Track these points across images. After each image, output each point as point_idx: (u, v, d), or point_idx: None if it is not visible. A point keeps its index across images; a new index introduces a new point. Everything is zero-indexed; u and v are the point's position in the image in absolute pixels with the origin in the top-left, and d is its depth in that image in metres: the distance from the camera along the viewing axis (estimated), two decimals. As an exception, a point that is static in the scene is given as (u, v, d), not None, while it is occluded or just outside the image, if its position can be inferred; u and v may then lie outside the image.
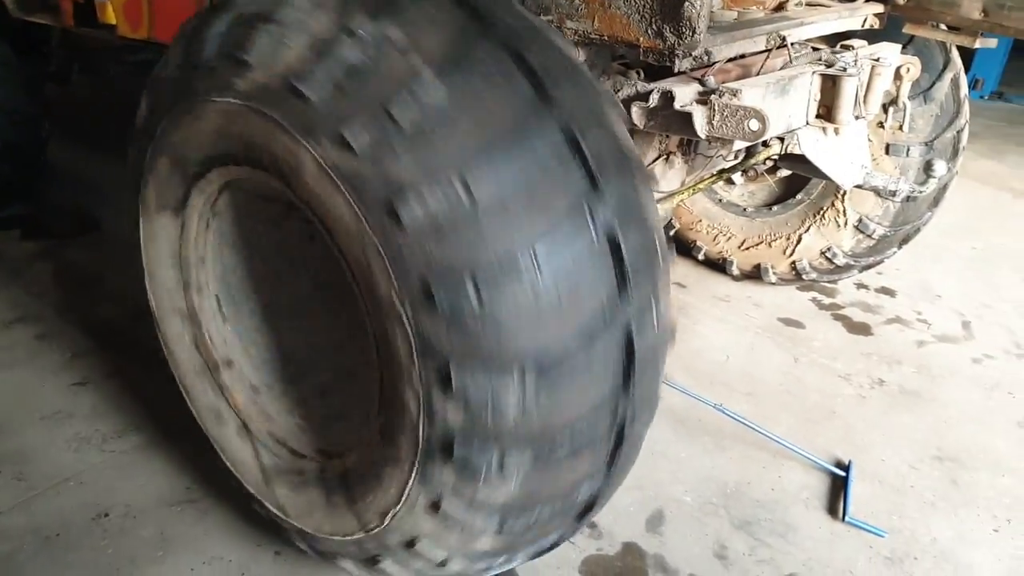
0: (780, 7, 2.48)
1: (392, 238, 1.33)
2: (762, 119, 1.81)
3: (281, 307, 2.16)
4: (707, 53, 1.98)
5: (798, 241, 3.59)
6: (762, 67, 2.25)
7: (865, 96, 2.29)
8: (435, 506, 1.49)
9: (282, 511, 1.95)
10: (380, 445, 1.58)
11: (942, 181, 2.99)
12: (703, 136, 1.90)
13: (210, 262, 2.00)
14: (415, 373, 1.39)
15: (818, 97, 2.18)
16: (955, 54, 3.07)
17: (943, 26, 2.50)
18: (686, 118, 1.89)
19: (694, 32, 1.71)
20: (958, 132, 3.13)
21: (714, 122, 1.88)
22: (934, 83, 3.03)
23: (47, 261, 3.78)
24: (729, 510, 2.49)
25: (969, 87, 3.23)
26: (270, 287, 2.14)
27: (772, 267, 3.71)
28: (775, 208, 3.68)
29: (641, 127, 2.02)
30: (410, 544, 1.60)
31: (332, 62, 1.38)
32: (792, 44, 2.26)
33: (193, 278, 1.99)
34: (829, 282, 3.93)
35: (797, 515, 2.48)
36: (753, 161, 2.79)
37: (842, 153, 2.55)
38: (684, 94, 1.91)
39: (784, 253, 3.66)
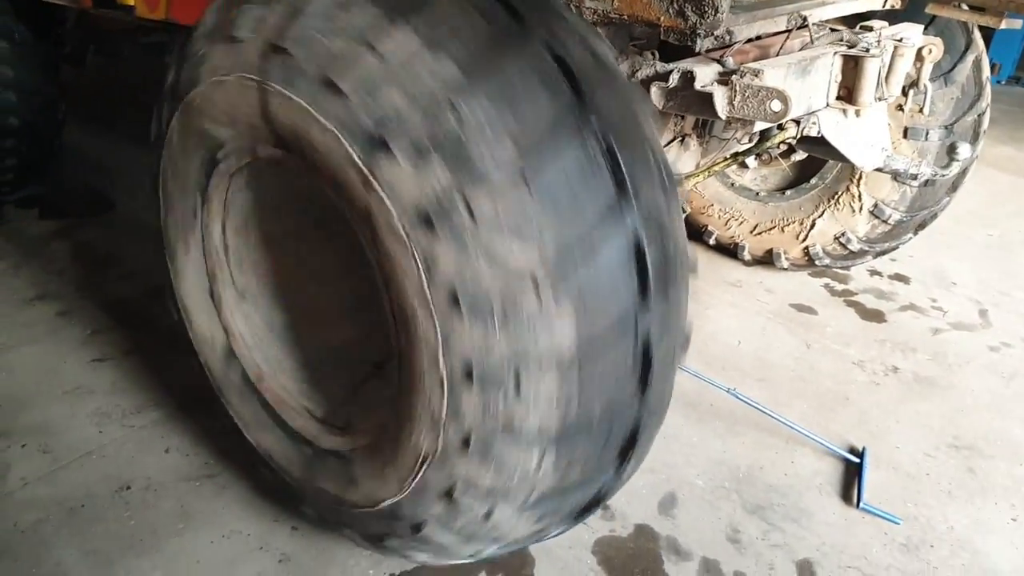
0: (801, -13, 2.46)
1: None
2: (784, 100, 1.80)
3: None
4: (728, 33, 1.97)
5: (811, 226, 3.57)
6: (781, 48, 2.23)
7: (887, 77, 2.27)
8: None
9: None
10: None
11: (965, 165, 2.96)
12: (724, 117, 1.89)
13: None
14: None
15: (839, 78, 2.17)
16: (977, 36, 3.02)
17: (966, 6, 2.47)
18: (706, 98, 1.89)
19: (716, 11, 1.71)
20: (979, 115, 3.10)
21: (735, 103, 1.87)
22: (955, 65, 2.99)
23: (65, 240, 3.82)
24: (742, 494, 2.49)
25: (989, 72, 3.19)
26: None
27: (784, 252, 3.70)
28: (788, 193, 3.66)
29: (660, 108, 2.01)
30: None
31: None
32: (813, 24, 2.24)
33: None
34: (842, 268, 3.91)
35: (811, 500, 2.49)
36: (768, 144, 2.78)
37: (863, 135, 2.53)
38: (705, 74, 1.91)
39: (797, 238, 3.64)
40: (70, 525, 2.21)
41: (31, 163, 3.81)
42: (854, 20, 2.50)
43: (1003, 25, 2.41)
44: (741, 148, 2.83)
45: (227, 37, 1.60)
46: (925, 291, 3.88)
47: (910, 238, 3.50)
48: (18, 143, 3.64)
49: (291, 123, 1.49)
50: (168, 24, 2.84)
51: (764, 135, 2.74)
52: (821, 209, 3.54)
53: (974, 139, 3.13)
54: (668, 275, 1.43)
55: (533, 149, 1.30)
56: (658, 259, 1.40)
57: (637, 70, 2.07)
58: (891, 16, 2.56)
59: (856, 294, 3.80)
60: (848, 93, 2.17)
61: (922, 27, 2.50)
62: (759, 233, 3.77)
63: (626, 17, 1.86)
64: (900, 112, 3.01)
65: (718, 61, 1.99)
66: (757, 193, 3.78)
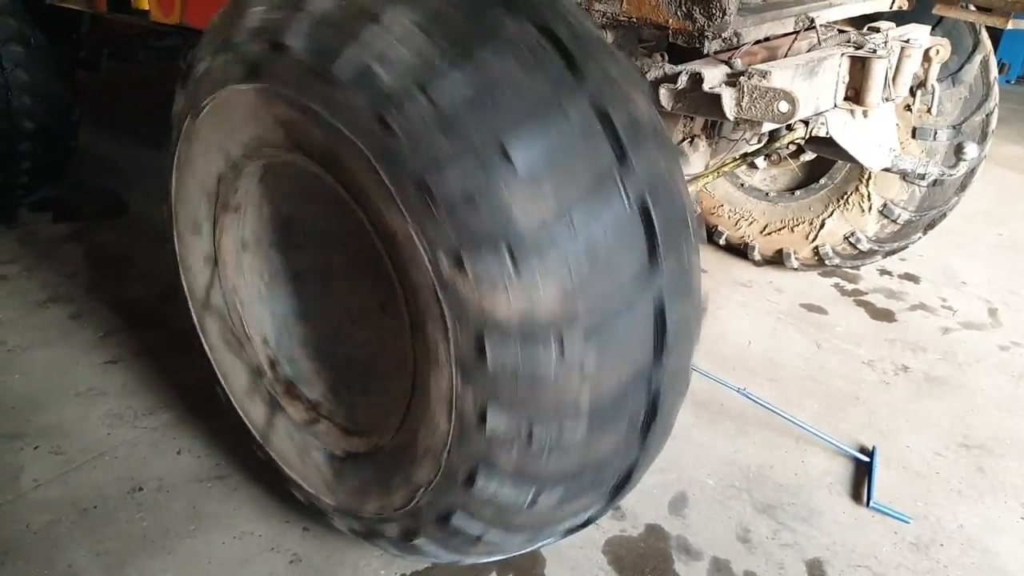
0: (808, -11, 2.47)
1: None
2: (792, 101, 1.80)
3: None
4: (736, 35, 1.98)
5: (821, 226, 3.57)
6: (789, 49, 2.24)
7: (894, 78, 2.28)
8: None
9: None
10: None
11: (972, 164, 2.96)
12: (732, 118, 1.90)
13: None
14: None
15: (847, 79, 2.17)
16: (985, 36, 3.02)
17: (973, 7, 2.47)
18: (715, 100, 1.90)
19: (724, 13, 1.72)
20: (987, 115, 3.10)
21: (743, 104, 1.88)
22: (963, 65, 2.99)
23: (78, 242, 3.85)
24: (752, 494, 2.50)
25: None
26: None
27: (794, 252, 3.70)
28: (798, 193, 3.66)
29: (669, 109, 2.02)
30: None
31: None
32: (820, 26, 2.24)
33: None
34: (852, 268, 3.90)
35: (821, 500, 2.49)
36: (777, 145, 2.79)
37: (871, 136, 2.53)
38: (713, 76, 1.91)
39: (807, 238, 3.64)
40: (82, 526, 2.23)
41: (45, 166, 3.84)
42: (862, 21, 2.50)
43: (1010, 26, 2.41)
44: (750, 149, 2.84)
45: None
46: (935, 290, 3.87)
47: (919, 238, 3.50)
48: (33, 146, 3.68)
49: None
50: (182, 28, 2.87)
51: (773, 136, 2.75)
52: (831, 209, 3.54)
53: (982, 139, 3.12)
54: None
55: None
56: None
57: (646, 72, 2.08)
58: (898, 17, 2.56)
59: (866, 294, 3.80)
60: (855, 94, 2.17)
61: (929, 28, 2.51)
62: (769, 233, 3.78)
63: (635, 19, 1.87)
64: (908, 112, 3.01)
65: (726, 63, 2.00)
66: (767, 193, 3.78)
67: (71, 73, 4.02)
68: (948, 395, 3.06)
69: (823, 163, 3.49)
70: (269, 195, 1.94)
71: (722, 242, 3.93)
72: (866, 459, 2.64)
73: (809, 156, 3.36)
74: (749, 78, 1.87)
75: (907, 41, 2.31)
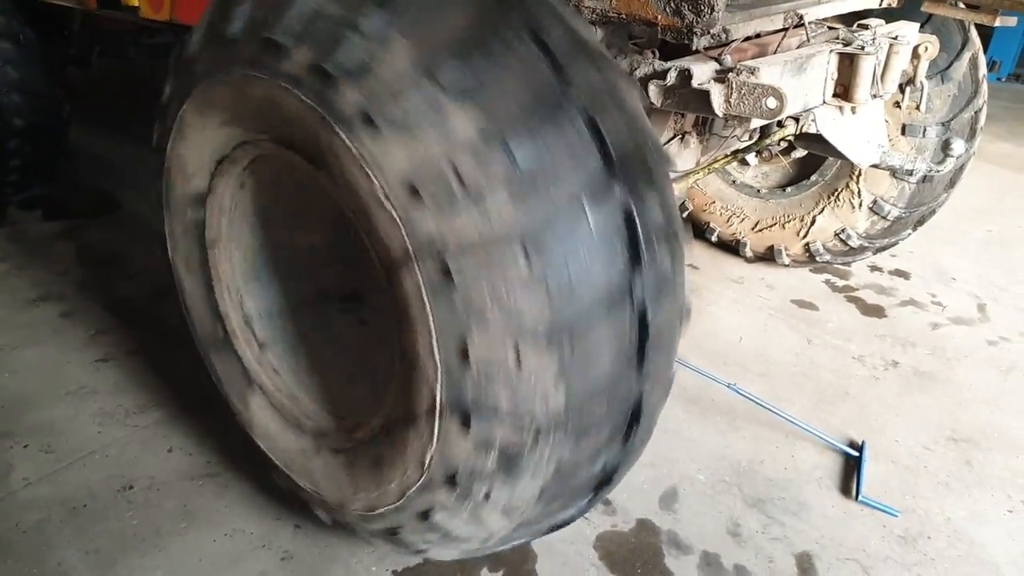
0: (798, -15, 2.47)
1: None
2: (780, 97, 1.81)
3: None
4: (725, 31, 1.98)
5: (812, 223, 3.59)
6: (779, 46, 2.24)
7: (883, 75, 2.28)
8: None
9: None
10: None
11: (960, 161, 2.98)
12: (720, 114, 1.91)
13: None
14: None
15: (835, 76, 2.18)
16: (974, 33, 3.04)
17: (962, 4, 2.48)
18: (703, 96, 1.90)
19: (712, 10, 1.72)
20: (976, 112, 3.11)
21: (731, 100, 1.88)
22: (952, 63, 3.01)
23: (69, 241, 3.84)
24: (742, 488, 2.51)
25: (986, 69, 3.20)
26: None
27: (786, 249, 3.71)
28: (789, 190, 3.67)
29: (658, 105, 2.03)
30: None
31: None
32: (809, 23, 2.25)
33: None
34: (843, 264, 3.92)
35: (810, 494, 2.51)
36: (768, 141, 2.80)
37: (859, 132, 2.55)
38: (702, 72, 1.92)
39: (798, 235, 3.66)
40: (72, 525, 2.22)
41: (36, 164, 3.83)
42: (851, 18, 2.52)
43: (997, 23, 2.43)
44: (741, 145, 2.85)
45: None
46: (925, 286, 3.89)
47: (909, 234, 3.52)
48: (23, 144, 3.66)
49: None
50: (172, 25, 2.87)
51: (763, 132, 2.76)
52: (821, 206, 3.55)
53: (971, 136, 3.14)
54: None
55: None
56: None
57: (635, 68, 2.09)
58: (888, 14, 2.57)
59: (857, 290, 3.82)
60: (844, 90, 2.18)
61: (918, 25, 2.52)
62: (760, 230, 3.79)
63: (624, 16, 1.87)
64: (898, 109, 3.03)
65: (715, 59, 2.00)
66: (758, 190, 3.80)
67: (61, 70, 4.00)
68: (937, 390, 3.08)
69: (814, 160, 3.51)
70: None
71: (714, 239, 3.95)
72: (855, 453, 2.66)
73: (800, 153, 3.38)
74: (738, 74, 1.88)
75: (896, 38, 2.32)
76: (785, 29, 2.27)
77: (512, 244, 1.31)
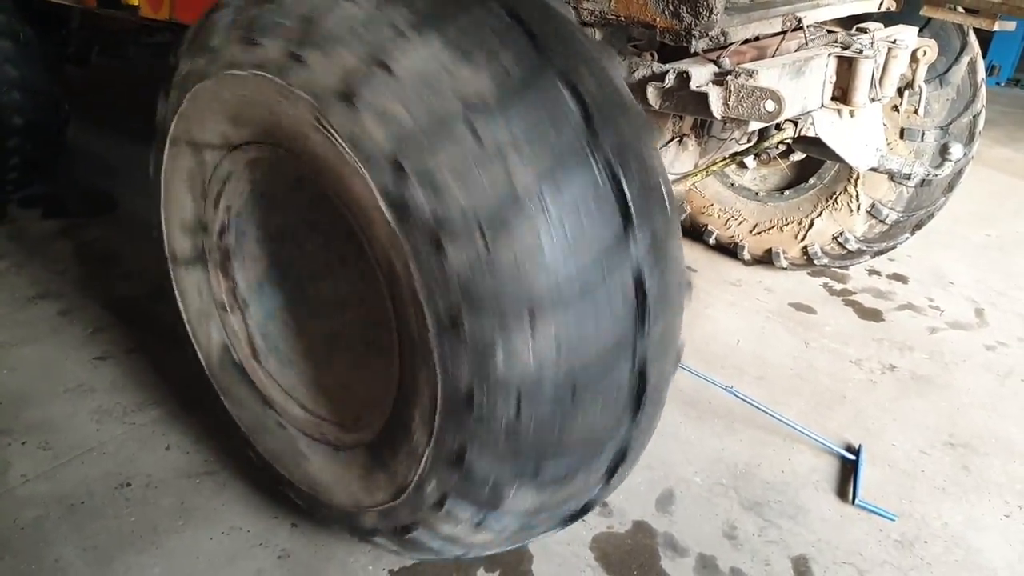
0: (797, -11, 2.48)
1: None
2: (778, 100, 1.82)
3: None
4: (723, 34, 1.99)
5: (810, 226, 3.60)
6: (777, 49, 2.25)
7: (881, 78, 2.29)
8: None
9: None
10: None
11: (958, 165, 2.98)
12: (719, 116, 1.91)
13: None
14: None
15: (834, 79, 2.19)
16: (972, 38, 3.05)
17: (961, 8, 2.49)
18: (702, 98, 1.91)
19: (711, 13, 1.73)
20: (974, 117, 3.12)
21: (730, 103, 1.89)
22: (951, 67, 3.01)
23: (68, 239, 3.84)
24: (739, 491, 2.51)
25: (985, 73, 3.21)
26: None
27: (784, 252, 3.72)
28: (787, 192, 3.68)
29: (657, 107, 2.03)
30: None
31: None
32: (808, 26, 2.26)
33: None
34: (841, 267, 3.93)
35: (807, 497, 2.51)
36: (766, 144, 2.80)
37: (857, 136, 2.55)
38: (700, 74, 1.93)
39: (796, 238, 3.66)
40: (70, 522, 2.23)
41: (35, 162, 3.83)
42: (850, 22, 2.52)
43: (996, 27, 2.44)
44: (740, 148, 2.85)
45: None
46: (923, 290, 3.90)
47: (907, 238, 3.53)
48: (22, 142, 3.66)
49: None
50: (172, 24, 2.87)
51: (762, 135, 2.76)
52: (819, 209, 3.56)
53: (969, 140, 3.15)
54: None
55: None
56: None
57: (634, 71, 2.09)
58: (887, 18, 2.58)
59: (854, 293, 3.82)
60: (843, 94, 2.19)
61: (917, 29, 2.53)
62: (758, 233, 3.80)
63: (623, 18, 1.88)
64: (896, 113, 3.03)
65: (714, 62, 2.01)
66: (756, 193, 3.80)
67: (61, 69, 4.01)
68: (934, 394, 3.08)
69: (812, 163, 3.51)
70: None
71: (712, 241, 3.95)
72: (852, 457, 2.66)
73: (798, 156, 3.38)
74: (736, 77, 1.88)
75: (894, 42, 2.33)
76: (784, 32, 2.28)
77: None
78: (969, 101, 3.09)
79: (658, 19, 1.79)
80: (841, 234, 3.49)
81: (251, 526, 2.25)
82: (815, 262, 3.65)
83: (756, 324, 3.49)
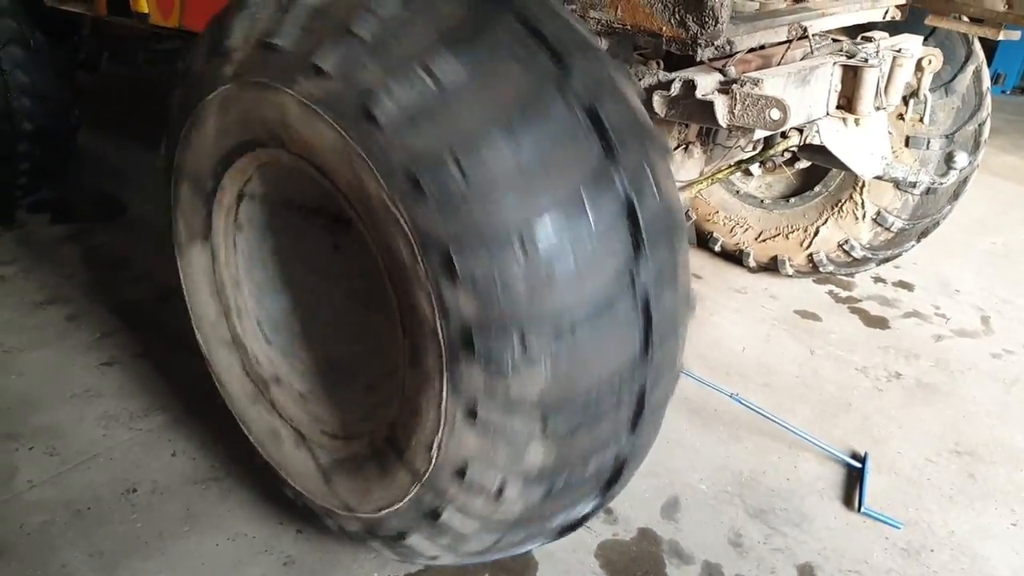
0: (802, -2, 2.49)
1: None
2: (783, 108, 1.82)
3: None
4: (729, 43, 2.00)
5: (815, 233, 3.60)
6: (783, 58, 2.26)
7: (886, 87, 2.30)
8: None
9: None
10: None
11: (963, 173, 2.98)
12: (724, 125, 1.92)
13: None
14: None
15: (839, 88, 2.19)
16: (977, 46, 3.05)
17: (966, 18, 2.50)
18: (707, 107, 1.92)
19: (717, 22, 1.73)
20: (980, 125, 3.12)
21: (735, 111, 1.90)
22: (956, 75, 3.02)
23: (76, 244, 3.86)
24: (744, 499, 2.51)
25: (991, 82, 3.22)
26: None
27: (789, 259, 3.72)
28: (792, 200, 3.68)
29: (662, 116, 2.04)
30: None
31: None
32: (813, 35, 2.27)
33: None
34: (846, 275, 3.92)
35: (812, 505, 2.50)
36: (771, 152, 2.81)
37: (862, 144, 2.56)
38: (706, 83, 1.93)
39: (801, 245, 3.66)
40: (76, 527, 2.23)
41: (45, 167, 3.85)
42: (855, 31, 2.53)
43: (1001, 36, 2.45)
44: (745, 156, 2.86)
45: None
46: (928, 298, 3.89)
47: (913, 245, 3.52)
48: (32, 147, 3.69)
49: None
50: (181, 31, 2.89)
51: (767, 143, 2.77)
52: (825, 217, 3.56)
53: (975, 148, 3.15)
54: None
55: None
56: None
57: (640, 79, 2.10)
58: (892, 27, 2.59)
59: (860, 301, 3.82)
60: (848, 102, 2.20)
61: (922, 38, 2.53)
62: (764, 240, 3.80)
63: (629, 27, 1.89)
64: (901, 121, 3.04)
65: (720, 70, 2.02)
66: (762, 201, 3.80)
67: (71, 75, 4.03)
68: (940, 402, 3.07)
69: (817, 171, 3.51)
70: None
71: (717, 248, 3.95)
72: (858, 465, 2.65)
73: (804, 164, 3.39)
74: (741, 86, 1.89)
75: (899, 51, 2.34)
76: (789, 41, 2.29)
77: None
78: (974, 109, 3.10)
79: (664, 28, 1.80)
80: (847, 242, 3.49)
81: (256, 532, 2.26)
82: (820, 269, 3.65)
83: (761, 331, 3.49)
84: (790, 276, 3.80)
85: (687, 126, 2.57)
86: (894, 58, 2.30)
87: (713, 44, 1.82)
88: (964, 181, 3.20)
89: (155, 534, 2.23)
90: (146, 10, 2.93)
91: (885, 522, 2.43)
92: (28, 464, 2.45)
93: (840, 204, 3.49)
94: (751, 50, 2.20)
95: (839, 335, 3.51)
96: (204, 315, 2.14)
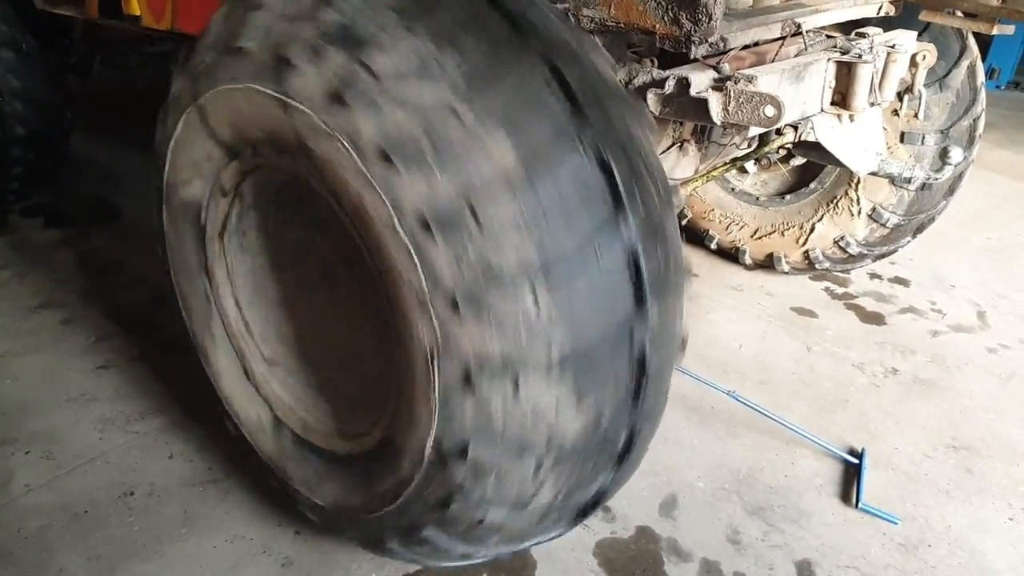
0: (795, -6, 2.49)
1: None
2: (777, 105, 1.82)
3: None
4: (723, 40, 2.00)
5: (811, 230, 3.60)
6: (777, 54, 2.26)
7: (880, 83, 2.30)
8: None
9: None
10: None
11: (958, 169, 2.99)
12: (718, 122, 1.92)
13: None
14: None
15: (833, 84, 2.19)
16: (972, 41, 3.06)
17: (959, 13, 2.50)
18: (702, 104, 1.91)
19: (710, 19, 1.73)
20: (974, 120, 3.13)
21: (729, 108, 1.89)
22: (950, 71, 3.02)
23: (70, 248, 3.85)
24: (742, 496, 2.51)
25: (985, 77, 3.22)
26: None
27: (785, 256, 3.72)
28: (788, 197, 3.69)
29: (657, 114, 2.04)
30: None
31: None
32: (807, 31, 2.27)
33: None
34: (842, 271, 3.93)
35: (810, 501, 2.51)
36: (766, 149, 2.81)
37: (857, 140, 2.56)
38: (700, 81, 1.93)
39: (797, 242, 3.67)
40: (73, 531, 2.23)
41: (37, 172, 3.84)
42: (849, 27, 2.53)
43: (995, 31, 2.45)
44: (740, 153, 2.86)
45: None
46: (924, 294, 3.90)
47: (908, 241, 3.53)
48: (24, 152, 3.68)
49: None
50: (174, 34, 2.88)
51: (763, 140, 2.77)
52: (820, 213, 3.56)
53: (970, 143, 3.15)
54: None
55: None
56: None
57: (634, 77, 2.10)
58: (886, 23, 2.58)
59: (856, 297, 3.82)
60: (842, 98, 2.20)
61: (916, 33, 2.53)
62: (760, 237, 3.80)
63: (623, 25, 1.88)
64: (896, 117, 3.04)
65: (713, 68, 2.01)
66: (757, 198, 3.81)
67: (63, 79, 4.02)
68: (937, 397, 3.08)
69: (813, 168, 3.52)
70: None
71: (713, 246, 3.96)
72: (855, 461, 2.66)
73: (799, 161, 3.39)
74: (736, 83, 1.89)
75: (893, 46, 2.33)
76: (783, 38, 2.28)
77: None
78: (969, 105, 3.10)
79: (658, 25, 1.80)
80: (842, 238, 3.50)
81: (254, 534, 2.25)
82: (816, 266, 3.66)
83: (758, 328, 3.49)
84: (786, 273, 3.81)
85: (682, 124, 2.57)
86: (888, 54, 2.30)
87: (707, 41, 1.82)
88: (959, 176, 3.20)
89: (153, 537, 2.22)
90: (138, 12, 2.92)
91: (883, 518, 2.44)
92: (25, 468, 2.44)
93: (835, 200, 3.49)
94: (745, 47, 2.20)
95: (835, 331, 3.51)
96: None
